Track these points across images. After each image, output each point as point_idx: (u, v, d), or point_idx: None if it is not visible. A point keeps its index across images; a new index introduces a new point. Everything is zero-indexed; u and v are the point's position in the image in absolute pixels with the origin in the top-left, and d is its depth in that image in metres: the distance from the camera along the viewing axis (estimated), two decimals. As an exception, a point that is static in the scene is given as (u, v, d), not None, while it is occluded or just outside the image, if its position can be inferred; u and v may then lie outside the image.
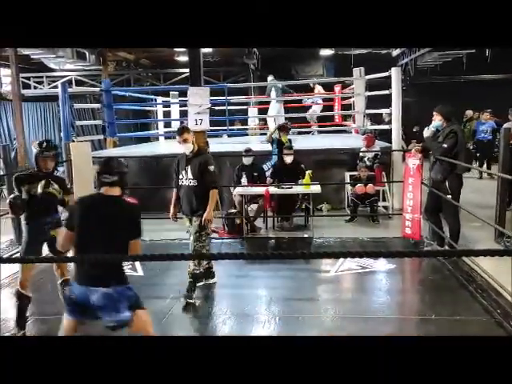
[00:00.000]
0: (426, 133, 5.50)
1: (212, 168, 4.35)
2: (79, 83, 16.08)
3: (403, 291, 4.83)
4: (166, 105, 12.11)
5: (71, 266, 3.70)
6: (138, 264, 5.24)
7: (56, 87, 14.27)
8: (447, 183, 5.09)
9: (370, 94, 9.34)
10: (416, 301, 4.49)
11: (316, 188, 6.40)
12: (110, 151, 10.00)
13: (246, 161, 6.73)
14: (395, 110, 7.63)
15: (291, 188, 6.44)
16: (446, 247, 5.24)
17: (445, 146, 5.07)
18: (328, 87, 12.08)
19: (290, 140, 7.23)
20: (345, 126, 11.92)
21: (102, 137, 12.39)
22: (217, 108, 9.89)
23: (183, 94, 10.75)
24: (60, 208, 3.85)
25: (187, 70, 10.58)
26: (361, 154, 7.62)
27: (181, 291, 4.30)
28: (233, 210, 6.59)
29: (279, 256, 1.49)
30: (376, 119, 11.95)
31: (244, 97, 11.68)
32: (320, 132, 11.91)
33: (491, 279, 4.29)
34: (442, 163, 5.15)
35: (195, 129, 5.87)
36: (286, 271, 5.01)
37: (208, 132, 7.29)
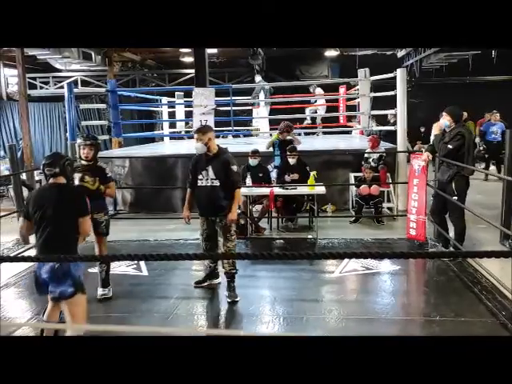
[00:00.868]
0: (435, 129, 5.46)
1: (235, 168, 4.32)
2: (85, 84, 16.16)
3: (408, 292, 4.82)
4: (171, 105, 12.14)
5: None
6: (142, 264, 5.25)
7: (62, 87, 14.35)
8: (453, 185, 5.08)
9: (375, 95, 9.33)
10: (421, 302, 4.47)
11: (320, 189, 6.39)
12: (115, 151, 10.04)
13: (252, 162, 6.73)
14: (400, 111, 7.62)
15: (296, 189, 6.44)
16: (451, 249, 5.23)
17: (450, 147, 5.06)
18: (333, 88, 12.08)
19: (291, 141, 7.20)
20: (350, 127, 11.91)
21: (107, 137, 12.46)
22: (221, 109, 9.93)
23: (188, 94, 10.81)
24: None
25: (192, 71, 10.64)
26: (365, 155, 7.62)
27: (185, 291, 4.30)
28: (237, 211, 6.58)
29: (283, 256, 1.48)
30: (381, 120, 11.94)
31: (248, 97, 11.70)
32: (324, 133, 11.91)
33: (496, 281, 4.28)
34: (449, 165, 5.14)
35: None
36: (290, 272, 5.02)
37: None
